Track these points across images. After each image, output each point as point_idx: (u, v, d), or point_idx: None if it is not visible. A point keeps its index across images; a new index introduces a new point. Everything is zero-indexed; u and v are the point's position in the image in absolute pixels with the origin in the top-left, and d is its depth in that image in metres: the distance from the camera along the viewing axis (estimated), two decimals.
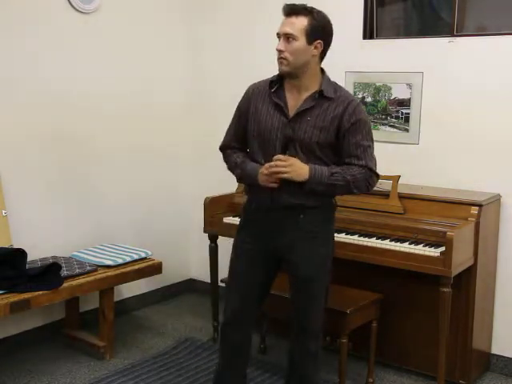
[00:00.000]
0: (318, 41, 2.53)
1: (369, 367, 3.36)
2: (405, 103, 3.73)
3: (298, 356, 2.79)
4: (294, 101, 2.60)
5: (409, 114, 3.72)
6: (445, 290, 3.04)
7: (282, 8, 2.55)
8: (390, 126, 3.80)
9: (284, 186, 2.57)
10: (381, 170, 3.50)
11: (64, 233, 3.89)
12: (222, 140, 2.84)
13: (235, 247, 2.82)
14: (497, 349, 3.60)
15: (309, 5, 2.55)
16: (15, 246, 3.41)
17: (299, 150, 2.57)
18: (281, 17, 2.56)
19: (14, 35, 3.54)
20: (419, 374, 3.50)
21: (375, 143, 3.94)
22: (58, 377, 3.44)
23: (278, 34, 2.55)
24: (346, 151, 2.59)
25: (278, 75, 2.65)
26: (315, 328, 2.74)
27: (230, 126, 2.82)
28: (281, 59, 2.54)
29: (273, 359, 3.61)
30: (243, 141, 2.75)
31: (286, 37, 2.50)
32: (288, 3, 2.55)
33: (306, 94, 2.59)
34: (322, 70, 2.64)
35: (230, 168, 2.78)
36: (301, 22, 2.49)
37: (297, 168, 2.52)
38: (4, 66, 3.51)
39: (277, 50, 2.54)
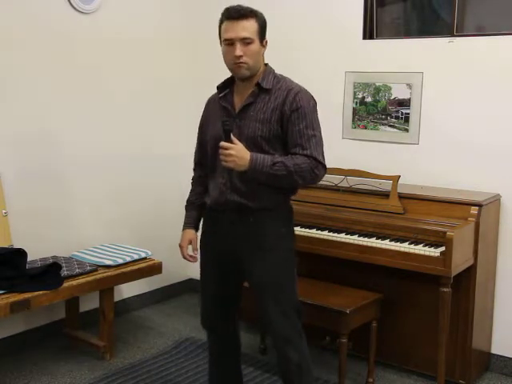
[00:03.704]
0: (265, 39, 2.56)
1: (369, 367, 3.36)
2: (405, 103, 3.73)
3: (281, 367, 2.70)
4: (239, 100, 2.59)
5: (409, 114, 3.73)
6: (445, 289, 3.05)
7: (226, 12, 2.50)
8: (390, 126, 3.80)
9: (235, 186, 2.55)
10: (381, 169, 3.53)
11: (64, 233, 3.89)
12: None
13: (201, 254, 2.81)
14: (497, 349, 3.60)
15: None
16: (15, 246, 3.41)
17: (246, 147, 2.50)
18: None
19: (13, 35, 3.54)
20: (419, 374, 3.49)
21: (375, 143, 3.95)
22: (58, 377, 3.45)
23: (229, 39, 2.48)
24: (290, 141, 2.51)
25: (227, 80, 2.65)
26: (289, 336, 2.61)
27: (196, 143, 2.85)
28: (241, 64, 2.50)
29: (273, 359, 3.61)
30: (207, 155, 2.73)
31: (243, 41, 2.48)
32: (233, 7, 2.50)
33: (248, 91, 2.57)
34: (266, 65, 2.63)
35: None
36: (252, 25, 2.48)
37: (236, 158, 2.43)
38: (3, 66, 3.52)
39: (236, 56, 2.48)
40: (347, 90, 3.93)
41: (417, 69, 3.67)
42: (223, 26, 2.52)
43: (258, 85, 2.55)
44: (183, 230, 2.81)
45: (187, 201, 2.84)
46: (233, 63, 2.51)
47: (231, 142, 2.45)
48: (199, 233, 2.82)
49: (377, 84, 3.82)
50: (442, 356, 3.13)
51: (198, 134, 2.81)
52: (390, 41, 3.88)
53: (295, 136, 2.51)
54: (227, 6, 2.54)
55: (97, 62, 3.97)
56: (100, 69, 4.00)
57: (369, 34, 3.93)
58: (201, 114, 2.80)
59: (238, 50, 2.47)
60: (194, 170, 2.88)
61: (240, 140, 2.50)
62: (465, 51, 3.54)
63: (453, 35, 3.63)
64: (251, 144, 2.51)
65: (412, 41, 3.76)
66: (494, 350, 3.60)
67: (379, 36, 3.96)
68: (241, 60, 2.49)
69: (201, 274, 2.83)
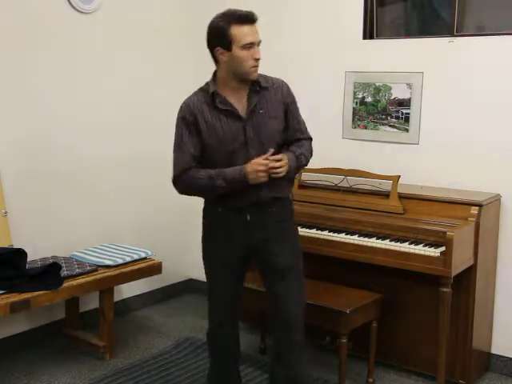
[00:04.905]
0: None
1: (369, 367, 3.35)
2: (405, 103, 3.73)
3: (284, 350, 2.78)
4: (238, 102, 2.62)
5: (409, 114, 3.72)
6: (445, 289, 3.05)
7: (242, 16, 2.51)
8: (390, 125, 3.80)
9: (265, 182, 2.59)
10: (381, 169, 3.53)
11: (64, 233, 3.89)
12: (174, 170, 2.71)
13: (208, 259, 2.83)
14: (497, 349, 3.59)
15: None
16: (15, 246, 3.42)
17: (266, 143, 2.61)
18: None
19: (13, 35, 3.54)
20: (419, 374, 3.49)
21: (375, 143, 3.97)
22: (58, 377, 3.45)
23: (251, 43, 2.51)
24: (291, 128, 2.73)
25: (212, 82, 2.64)
26: (299, 319, 2.76)
27: (179, 150, 2.68)
28: (257, 67, 2.58)
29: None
30: (201, 158, 2.67)
31: (258, 44, 2.57)
32: (245, 11, 2.53)
33: (244, 92, 2.63)
34: None
35: (204, 184, 2.59)
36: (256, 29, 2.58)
37: (287, 165, 2.60)
38: (3, 66, 3.52)
39: (257, 59, 2.54)
40: (347, 90, 3.93)
41: (417, 69, 3.66)
42: (238, 30, 2.49)
43: (257, 84, 2.62)
44: (242, 170, 2.55)
45: (209, 177, 2.58)
46: (251, 66, 2.56)
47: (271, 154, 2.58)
48: (199, 237, 2.87)
49: (377, 84, 3.82)
50: (442, 356, 3.13)
51: (188, 136, 2.64)
52: (390, 41, 3.87)
53: (295, 123, 2.74)
54: (228, 8, 2.56)
55: (97, 62, 3.97)
56: (100, 69, 4.00)
57: (369, 34, 3.93)
58: None
59: (258, 53, 2.56)
60: (182, 176, 2.67)
61: (259, 138, 2.61)
62: (465, 51, 3.53)
63: (453, 35, 3.63)
64: (270, 140, 2.65)
65: (412, 41, 3.76)
66: (494, 350, 3.60)
67: (379, 36, 3.96)
68: (257, 63, 2.58)
69: (211, 275, 2.84)
